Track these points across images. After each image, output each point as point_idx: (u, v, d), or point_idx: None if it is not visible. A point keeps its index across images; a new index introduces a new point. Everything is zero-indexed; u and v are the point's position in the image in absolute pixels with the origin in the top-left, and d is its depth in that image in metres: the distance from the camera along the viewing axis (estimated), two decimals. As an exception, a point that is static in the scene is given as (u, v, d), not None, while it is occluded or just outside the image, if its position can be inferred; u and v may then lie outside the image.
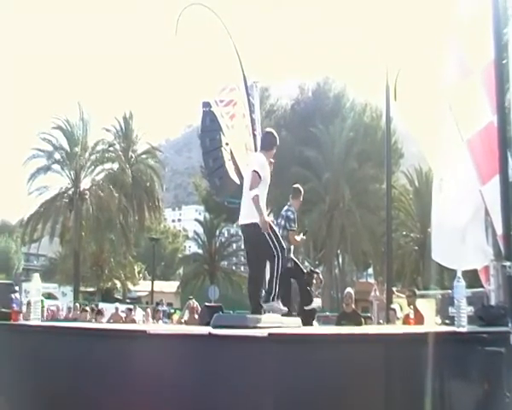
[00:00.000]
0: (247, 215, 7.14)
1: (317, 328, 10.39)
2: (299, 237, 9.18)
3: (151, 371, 5.11)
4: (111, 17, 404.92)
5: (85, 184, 44.79)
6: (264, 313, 7.02)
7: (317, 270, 14.40)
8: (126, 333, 6.48)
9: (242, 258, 74.54)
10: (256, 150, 9.95)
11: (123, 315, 19.37)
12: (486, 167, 5.77)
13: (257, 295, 7.20)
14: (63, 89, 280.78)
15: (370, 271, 55.14)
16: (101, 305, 28.36)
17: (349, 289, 13.05)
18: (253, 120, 11.39)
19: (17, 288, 10.75)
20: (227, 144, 11.31)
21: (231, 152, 11.16)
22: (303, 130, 48.11)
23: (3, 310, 7.43)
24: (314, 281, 11.69)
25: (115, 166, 46.56)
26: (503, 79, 5.45)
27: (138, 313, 21.23)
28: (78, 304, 25.14)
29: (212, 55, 11.53)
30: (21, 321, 7.15)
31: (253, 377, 4.85)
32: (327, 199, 47.39)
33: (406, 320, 11.32)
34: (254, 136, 11.19)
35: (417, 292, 13.40)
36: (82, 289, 46.29)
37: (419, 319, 10.97)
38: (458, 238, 6.57)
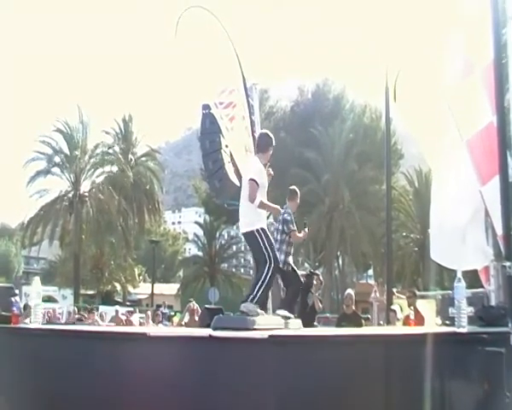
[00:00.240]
0: (246, 224, 7.20)
1: (317, 330, 10.40)
2: (301, 234, 9.12)
3: (152, 374, 5.11)
4: (111, 19, 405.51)
5: (85, 186, 44.79)
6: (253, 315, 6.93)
7: (316, 271, 14.39)
8: (127, 335, 6.48)
9: (242, 260, 74.72)
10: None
11: (123, 318, 19.38)
12: (486, 168, 5.77)
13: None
14: (63, 91, 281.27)
15: (370, 272, 55.09)
16: (102, 308, 28.36)
17: (349, 291, 13.04)
18: (252, 122, 11.37)
19: (17, 291, 10.74)
20: (227, 146, 11.30)
21: (231, 154, 11.15)
22: (302, 131, 48.07)
23: (4, 313, 7.42)
24: (314, 282, 11.72)
25: (115, 168, 46.54)
26: (503, 79, 5.45)
27: (134, 318, 21.10)
28: (76, 308, 25.06)
29: (212, 57, 11.53)
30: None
31: (254, 378, 4.85)
32: (326, 200, 47.36)
33: (406, 321, 11.32)
34: (254, 138, 11.15)
35: (417, 293, 13.40)
36: (82, 292, 46.26)
37: (419, 320, 10.97)
38: (458, 239, 6.57)
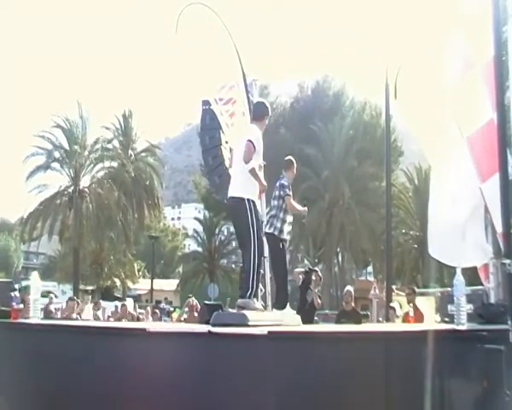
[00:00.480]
0: (238, 189, 6.99)
1: (316, 326, 10.41)
2: (299, 206, 8.74)
3: (150, 369, 5.11)
4: (110, 15, 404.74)
5: (85, 182, 44.71)
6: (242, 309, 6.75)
7: (315, 268, 14.39)
8: (126, 331, 6.48)
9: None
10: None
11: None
12: (486, 165, 5.76)
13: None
14: (63, 87, 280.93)
15: (370, 269, 55.12)
16: (102, 303, 28.34)
17: (349, 288, 13.03)
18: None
19: (16, 286, 10.75)
20: (226, 142, 11.32)
21: (231, 150, 11.15)
22: (302, 128, 48.05)
23: (3, 308, 7.42)
24: (313, 278, 11.73)
25: (114, 164, 46.49)
26: (503, 76, 5.45)
27: (129, 303, 21.05)
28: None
29: (212, 53, 11.54)
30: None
31: (253, 374, 4.85)
32: (326, 197, 47.35)
33: (406, 318, 11.34)
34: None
35: (417, 290, 13.43)
36: (81, 287, 46.09)
37: (419, 317, 10.98)
38: (458, 236, 6.57)
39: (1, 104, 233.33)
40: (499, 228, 5.37)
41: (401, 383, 4.45)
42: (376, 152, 38.25)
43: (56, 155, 44.23)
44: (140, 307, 26.96)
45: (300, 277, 12.13)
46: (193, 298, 15.87)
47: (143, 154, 50.76)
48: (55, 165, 44.29)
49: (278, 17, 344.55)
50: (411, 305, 11.63)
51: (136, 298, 48.36)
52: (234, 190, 7.07)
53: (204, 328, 5.72)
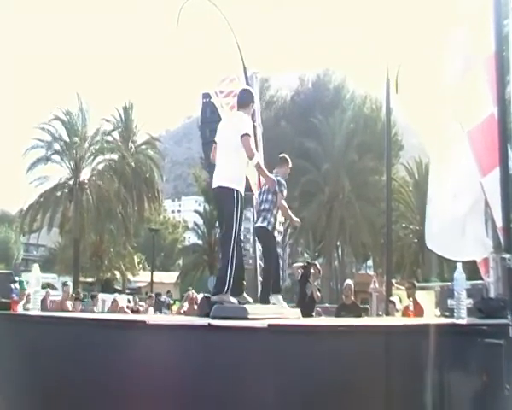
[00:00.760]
0: (226, 178, 6.70)
1: (316, 319, 10.42)
2: (291, 212, 8.66)
3: (150, 362, 5.11)
4: (111, 8, 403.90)
5: (85, 174, 44.75)
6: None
7: (314, 262, 14.42)
8: (126, 323, 6.48)
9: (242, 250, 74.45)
10: (256, 144, 9.64)
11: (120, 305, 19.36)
12: (487, 159, 5.75)
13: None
14: (63, 79, 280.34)
15: (370, 263, 55.19)
16: (101, 296, 28.34)
17: (348, 281, 13.06)
18: (252, 111, 11.37)
19: (16, 278, 10.76)
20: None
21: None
22: (303, 121, 48.09)
23: (3, 300, 7.42)
24: (312, 271, 11.76)
25: (115, 156, 46.48)
26: (504, 71, 5.43)
27: (120, 298, 20.95)
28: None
29: (213, 46, 11.52)
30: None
31: (253, 367, 4.85)
32: (326, 190, 47.38)
33: (405, 312, 11.35)
34: (254, 127, 11.16)
35: (417, 284, 13.41)
36: (81, 279, 46.19)
37: (418, 311, 10.98)
38: (458, 230, 6.57)
39: (1, 97, 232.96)
40: (499, 222, 5.36)
41: (401, 377, 4.45)
42: (377, 146, 38.23)
43: (56, 147, 44.25)
44: (140, 300, 26.94)
45: (299, 271, 12.17)
46: (193, 291, 15.91)
47: (144, 146, 50.75)
48: (56, 157, 44.32)
49: (280, 12, 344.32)
50: (411, 299, 11.63)
51: (136, 290, 48.37)
52: (221, 180, 6.76)
53: (204, 321, 5.72)
